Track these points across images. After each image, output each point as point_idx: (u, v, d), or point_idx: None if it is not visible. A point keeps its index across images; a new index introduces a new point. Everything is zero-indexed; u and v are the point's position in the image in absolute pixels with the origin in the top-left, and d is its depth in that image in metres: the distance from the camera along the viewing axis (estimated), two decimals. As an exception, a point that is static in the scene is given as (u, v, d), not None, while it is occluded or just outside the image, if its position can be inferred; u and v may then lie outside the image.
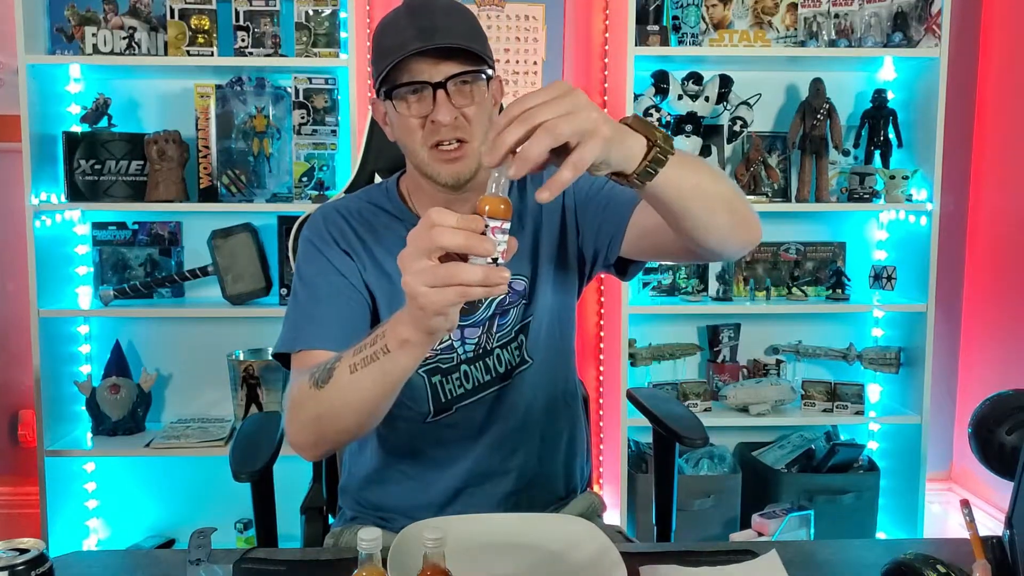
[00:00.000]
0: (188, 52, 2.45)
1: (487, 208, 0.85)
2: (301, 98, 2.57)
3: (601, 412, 2.84)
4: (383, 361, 0.97)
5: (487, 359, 1.28)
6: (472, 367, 1.28)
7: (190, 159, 2.55)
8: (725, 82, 2.61)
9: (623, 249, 1.24)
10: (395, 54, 1.13)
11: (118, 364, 2.61)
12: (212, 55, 2.46)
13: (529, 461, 1.32)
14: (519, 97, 0.85)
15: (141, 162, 2.52)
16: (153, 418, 2.68)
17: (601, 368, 2.85)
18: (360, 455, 1.37)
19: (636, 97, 2.59)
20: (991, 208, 2.78)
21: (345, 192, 1.54)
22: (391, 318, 0.96)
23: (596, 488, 2.82)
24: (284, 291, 2.59)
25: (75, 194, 2.50)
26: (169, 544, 2.68)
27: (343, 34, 2.51)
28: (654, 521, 1.54)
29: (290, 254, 1.61)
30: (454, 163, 1.18)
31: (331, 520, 1.54)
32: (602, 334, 2.84)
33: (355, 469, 1.38)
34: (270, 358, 2.58)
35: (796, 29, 2.66)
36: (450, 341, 1.26)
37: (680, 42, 2.60)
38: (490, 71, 1.18)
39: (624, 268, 1.29)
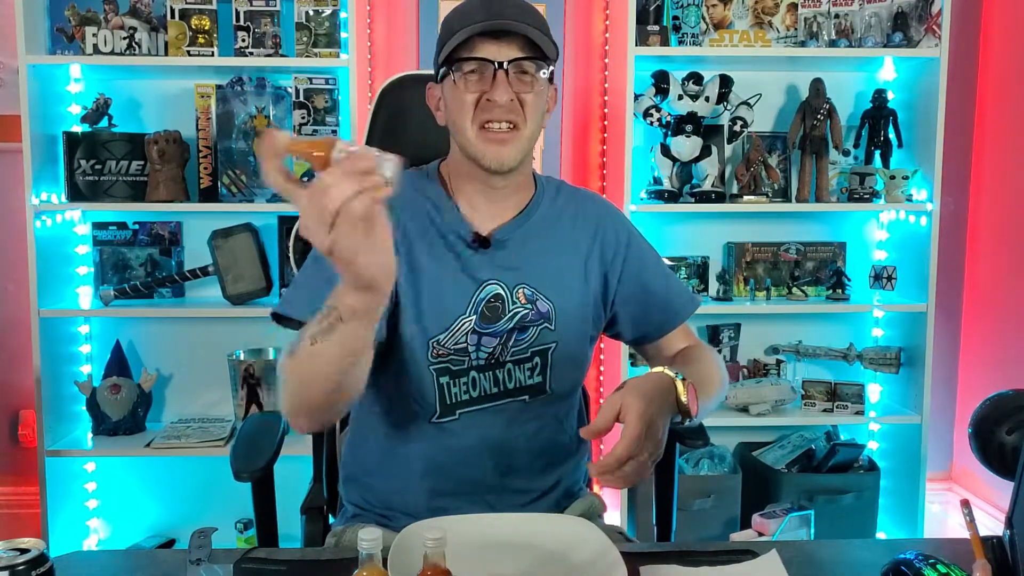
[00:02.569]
0: (188, 52, 2.45)
1: (332, 146, 0.84)
2: (301, 98, 2.57)
3: (601, 412, 2.84)
4: (338, 331, 0.96)
5: (498, 371, 1.28)
6: (481, 375, 1.28)
7: (190, 159, 2.55)
8: (725, 82, 2.61)
9: (631, 338, 1.43)
10: (463, 32, 1.19)
11: (118, 364, 2.61)
12: (212, 55, 2.46)
13: (530, 478, 1.32)
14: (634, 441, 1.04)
15: (141, 162, 2.52)
16: (153, 418, 2.68)
17: (601, 368, 2.84)
18: (362, 447, 1.36)
19: (636, 97, 2.59)
20: (991, 208, 2.78)
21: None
22: (335, 290, 0.95)
23: (596, 488, 2.82)
24: (284, 291, 2.58)
25: (75, 194, 2.50)
26: (169, 544, 2.68)
27: (343, 34, 2.51)
28: (654, 521, 1.54)
29: (290, 254, 1.61)
30: (501, 145, 1.21)
31: (332, 520, 1.54)
32: (602, 334, 2.83)
33: (359, 460, 1.37)
34: (271, 358, 2.59)
35: (796, 29, 2.65)
36: (465, 344, 1.26)
37: (680, 42, 2.60)
38: (551, 66, 1.24)
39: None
